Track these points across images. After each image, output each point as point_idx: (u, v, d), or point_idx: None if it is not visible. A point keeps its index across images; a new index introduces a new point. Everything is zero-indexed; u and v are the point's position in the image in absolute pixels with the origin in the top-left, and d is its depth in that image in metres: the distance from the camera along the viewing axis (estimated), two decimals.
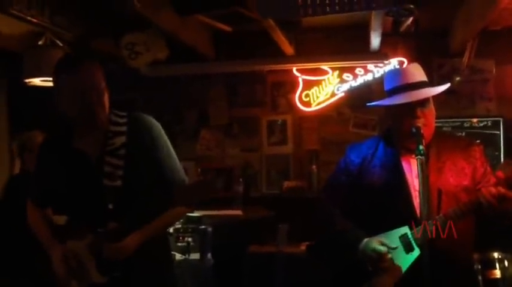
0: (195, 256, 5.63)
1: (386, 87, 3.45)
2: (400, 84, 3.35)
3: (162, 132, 3.29)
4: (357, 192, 3.47)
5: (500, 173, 3.16)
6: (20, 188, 5.26)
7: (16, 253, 5.01)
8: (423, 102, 3.26)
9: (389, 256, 3.19)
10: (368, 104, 3.67)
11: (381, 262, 3.20)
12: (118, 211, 3.02)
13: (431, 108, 3.32)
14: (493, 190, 3.06)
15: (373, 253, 3.21)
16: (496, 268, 4.45)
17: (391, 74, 3.53)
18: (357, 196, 3.47)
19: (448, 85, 3.41)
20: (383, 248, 3.19)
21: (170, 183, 3.22)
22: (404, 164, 3.34)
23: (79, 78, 3.00)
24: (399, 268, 3.20)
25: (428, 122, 3.29)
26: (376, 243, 3.22)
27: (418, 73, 3.39)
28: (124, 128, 3.18)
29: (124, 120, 3.21)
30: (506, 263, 4.47)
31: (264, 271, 5.74)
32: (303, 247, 6.14)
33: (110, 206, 3.04)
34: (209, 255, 5.71)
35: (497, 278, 4.44)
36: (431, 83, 3.42)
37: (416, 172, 3.13)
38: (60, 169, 3.18)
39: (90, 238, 3.04)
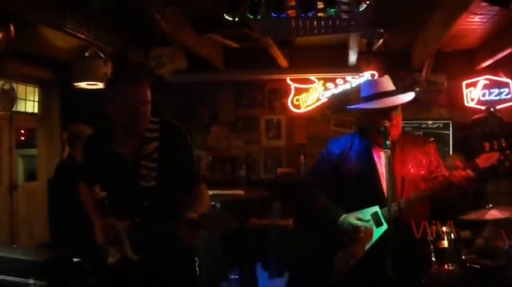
0: None
1: (364, 94, 3.45)
2: (376, 92, 3.36)
3: (187, 137, 3.18)
4: (337, 177, 3.46)
5: (458, 163, 3.23)
6: (68, 169, 5.29)
7: (67, 222, 5.02)
8: (394, 107, 3.30)
9: (363, 228, 3.24)
10: (349, 107, 3.65)
11: (356, 233, 3.25)
12: (152, 206, 2.97)
13: (399, 112, 3.35)
14: (463, 172, 3.14)
15: (350, 226, 3.25)
16: (444, 239, 4.48)
17: (368, 84, 3.54)
18: (336, 180, 3.47)
19: (413, 94, 3.40)
20: (359, 223, 3.24)
21: (190, 182, 3.16)
22: (375, 156, 3.36)
23: (135, 92, 2.91)
24: (370, 237, 3.26)
25: (397, 123, 3.33)
26: (353, 218, 3.26)
27: (389, 84, 3.41)
28: (156, 134, 3.05)
29: (157, 126, 3.07)
30: (452, 235, 4.50)
31: (260, 239, 5.75)
32: (291, 221, 6.19)
33: (146, 203, 2.97)
34: None
35: (445, 247, 4.47)
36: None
37: (385, 162, 3.18)
38: (103, 165, 3.10)
39: (128, 223, 2.99)
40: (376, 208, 3.27)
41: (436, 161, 3.41)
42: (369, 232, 3.26)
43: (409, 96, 3.38)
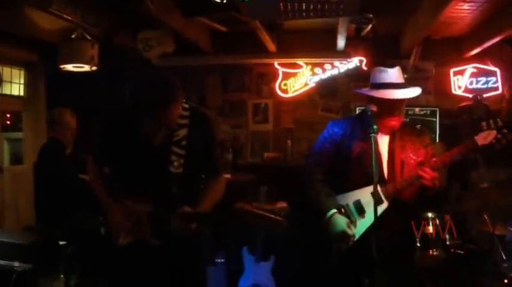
0: None
1: (373, 80, 3.56)
2: (385, 81, 3.47)
3: (214, 126, 3.21)
4: (338, 156, 3.58)
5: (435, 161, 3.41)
6: (52, 152, 5.27)
7: (53, 205, 5.01)
8: (401, 101, 3.47)
9: (352, 239, 3.40)
10: (358, 90, 3.74)
11: (345, 241, 3.41)
12: (179, 193, 2.96)
13: (403, 105, 3.53)
14: (430, 171, 3.36)
15: (342, 234, 3.39)
16: (429, 225, 4.54)
17: (378, 71, 3.57)
18: (338, 159, 3.58)
19: (420, 90, 3.55)
20: (350, 232, 3.39)
21: (212, 172, 3.20)
22: (378, 140, 3.45)
23: (168, 115, 2.84)
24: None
25: (400, 115, 3.49)
26: (346, 225, 3.40)
27: (399, 76, 3.53)
28: (186, 121, 3.02)
29: (187, 113, 3.03)
30: (437, 221, 4.55)
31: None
32: (278, 205, 6.20)
33: (174, 190, 2.95)
34: None
35: (429, 233, 4.53)
36: None
37: (385, 146, 3.46)
38: (127, 148, 3.02)
39: (150, 208, 2.98)
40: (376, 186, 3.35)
41: (431, 151, 3.59)
42: (370, 212, 3.39)
43: (416, 91, 3.52)
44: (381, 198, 3.34)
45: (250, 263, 5.54)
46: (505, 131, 3.26)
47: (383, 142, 3.52)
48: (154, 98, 2.77)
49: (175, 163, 2.97)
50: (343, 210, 3.49)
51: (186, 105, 3.06)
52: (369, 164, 3.33)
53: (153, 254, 3.04)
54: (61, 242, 4.75)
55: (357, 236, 3.43)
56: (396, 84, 3.46)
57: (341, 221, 3.40)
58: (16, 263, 4.03)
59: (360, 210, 3.49)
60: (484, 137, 3.29)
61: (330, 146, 3.63)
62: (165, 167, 2.96)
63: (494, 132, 3.27)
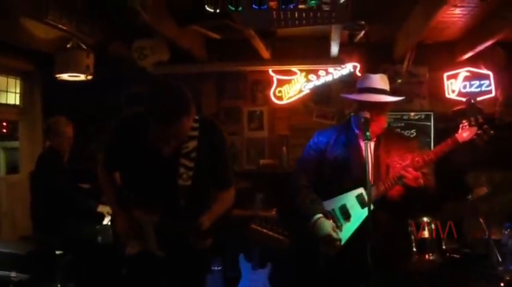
0: None
1: (359, 85, 3.61)
2: (366, 86, 3.54)
3: (224, 137, 3.17)
4: (324, 163, 3.61)
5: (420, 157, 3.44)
6: (49, 161, 5.26)
7: (50, 215, 4.99)
8: (379, 105, 3.47)
9: (338, 243, 3.41)
10: (343, 95, 3.90)
11: (331, 245, 3.41)
12: (187, 206, 2.94)
13: (384, 112, 3.56)
14: (413, 172, 3.35)
15: (328, 237, 3.39)
16: (425, 230, 4.53)
17: (363, 77, 3.66)
18: (323, 165, 3.61)
19: (402, 98, 3.64)
20: (336, 236, 3.39)
21: (221, 185, 3.16)
22: (362, 145, 3.40)
23: (179, 126, 2.78)
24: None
25: (379, 120, 3.50)
26: (331, 229, 3.41)
27: (382, 82, 3.56)
28: (196, 133, 2.97)
29: (197, 125, 2.98)
30: (432, 226, 4.56)
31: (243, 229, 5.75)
32: (273, 212, 6.20)
33: (182, 202, 2.93)
34: None
35: (425, 238, 4.53)
36: None
37: (370, 151, 3.39)
38: (135, 158, 2.98)
39: (156, 218, 2.95)
40: (361, 190, 3.43)
41: (418, 156, 3.53)
42: (355, 215, 3.46)
43: (395, 98, 3.57)
44: (365, 200, 3.37)
45: (247, 270, 5.52)
46: (486, 127, 3.27)
47: (368, 147, 3.51)
48: (168, 107, 2.72)
49: (184, 176, 2.93)
50: (329, 216, 3.50)
51: (196, 117, 3.01)
52: (353, 169, 3.44)
53: (158, 265, 3.03)
54: (58, 252, 4.73)
55: (344, 241, 3.44)
56: (375, 89, 3.51)
57: (326, 224, 3.42)
58: (13, 274, 4.02)
59: (345, 214, 3.51)
60: (465, 134, 3.31)
61: (314, 153, 3.67)
62: (173, 180, 2.93)
63: (475, 128, 3.28)
